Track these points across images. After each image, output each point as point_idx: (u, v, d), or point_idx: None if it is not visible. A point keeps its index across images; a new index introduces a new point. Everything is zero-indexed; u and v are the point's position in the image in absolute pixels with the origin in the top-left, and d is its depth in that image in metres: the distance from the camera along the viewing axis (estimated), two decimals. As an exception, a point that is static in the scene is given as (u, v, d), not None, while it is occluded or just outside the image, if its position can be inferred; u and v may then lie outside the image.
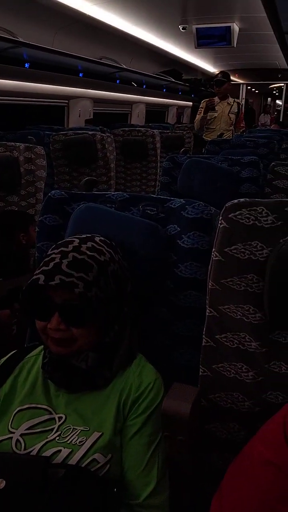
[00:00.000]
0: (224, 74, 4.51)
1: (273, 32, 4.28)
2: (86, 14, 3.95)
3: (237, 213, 0.87)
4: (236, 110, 4.58)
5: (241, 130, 4.71)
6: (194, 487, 0.96)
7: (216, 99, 4.54)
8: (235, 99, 4.68)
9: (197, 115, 4.60)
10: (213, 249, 0.90)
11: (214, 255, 0.90)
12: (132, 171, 3.79)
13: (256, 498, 0.70)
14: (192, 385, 0.93)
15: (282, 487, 0.68)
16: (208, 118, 4.52)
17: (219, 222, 0.88)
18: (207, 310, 0.93)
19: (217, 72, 4.54)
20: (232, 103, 4.57)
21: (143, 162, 3.72)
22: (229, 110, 4.53)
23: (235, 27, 4.98)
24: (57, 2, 3.51)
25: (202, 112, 4.48)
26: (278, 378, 0.89)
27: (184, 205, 1.07)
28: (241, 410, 0.92)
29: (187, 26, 5.03)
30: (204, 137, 4.60)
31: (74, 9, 3.77)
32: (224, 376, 0.92)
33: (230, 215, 0.87)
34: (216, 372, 0.93)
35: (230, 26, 4.97)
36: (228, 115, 4.51)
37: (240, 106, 4.68)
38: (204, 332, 0.94)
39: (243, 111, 4.71)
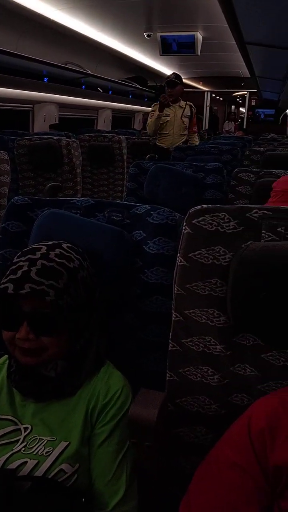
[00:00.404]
0: (177, 76, 4.23)
1: (235, 42, 4.39)
2: (50, 19, 3.93)
3: (200, 219, 0.88)
4: (189, 114, 4.30)
5: (194, 136, 4.43)
6: (163, 493, 0.96)
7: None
8: (187, 102, 4.34)
9: (149, 119, 4.28)
10: (178, 255, 0.91)
11: (179, 260, 0.91)
12: (99, 177, 3.78)
13: (223, 501, 0.71)
14: (159, 390, 0.93)
15: (247, 488, 0.69)
16: (160, 122, 4.27)
17: (183, 228, 0.90)
18: (173, 315, 0.93)
19: (171, 74, 4.20)
20: (184, 106, 4.28)
21: (110, 168, 3.72)
22: (182, 114, 4.26)
23: (199, 36, 5.09)
24: (20, 5, 3.48)
25: (157, 111, 4.17)
26: (243, 380, 0.90)
27: (150, 211, 1.07)
28: (208, 414, 0.93)
29: (151, 33, 5.10)
30: (158, 144, 4.37)
31: (38, 13, 3.75)
32: (191, 380, 0.93)
33: (193, 221, 0.88)
34: (183, 377, 0.94)
35: (194, 35, 5.09)
36: (181, 119, 4.25)
37: (193, 110, 4.34)
38: (170, 337, 0.94)
39: (195, 115, 4.39)
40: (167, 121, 4.21)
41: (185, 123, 4.27)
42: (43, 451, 0.81)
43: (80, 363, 0.88)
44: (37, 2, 3.57)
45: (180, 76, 4.28)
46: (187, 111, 4.28)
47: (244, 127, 9.36)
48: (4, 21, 3.72)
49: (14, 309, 0.79)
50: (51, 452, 0.81)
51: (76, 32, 4.49)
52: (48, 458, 0.80)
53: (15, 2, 3.37)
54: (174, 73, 4.24)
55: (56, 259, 0.82)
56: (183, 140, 4.31)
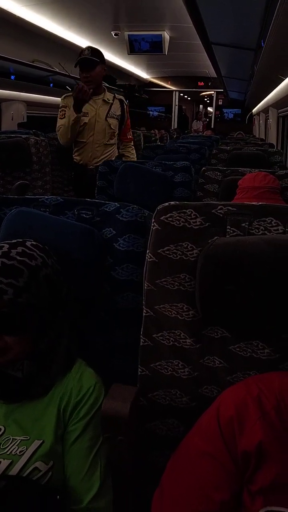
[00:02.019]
0: (94, 51, 2.65)
1: (200, 41, 4.45)
2: (16, 15, 3.87)
3: (168, 215, 0.90)
4: (119, 113, 2.82)
5: (129, 146, 3.02)
6: (137, 487, 0.98)
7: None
8: (116, 95, 2.87)
9: (58, 120, 2.75)
10: (147, 251, 0.93)
11: (148, 256, 0.92)
12: (69, 175, 3.75)
13: (194, 489, 0.73)
14: (132, 386, 0.94)
15: (218, 475, 0.71)
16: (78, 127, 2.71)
17: (152, 224, 0.91)
18: (144, 310, 0.95)
19: (85, 49, 2.70)
20: (111, 101, 2.78)
21: (80, 166, 3.69)
22: (108, 112, 2.74)
23: (166, 35, 5.14)
24: (-16, 1, 3.41)
25: (71, 109, 2.59)
26: (212, 372, 0.93)
27: (119, 208, 1.08)
28: (179, 406, 0.95)
29: (119, 32, 5.11)
30: (74, 158, 2.89)
31: (3, 9, 3.68)
32: (162, 374, 0.95)
33: (161, 218, 0.90)
34: (154, 371, 0.95)
35: (161, 34, 5.13)
36: (107, 120, 2.74)
37: (126, 106, 2.87)
38: (141, 332, 0.96)
39: (128, 114, 2.94)
40: (85, 122, 2.70)
41: (112, 126, 2.78)
42: (16, 450, 0.81)
43: (49, 363, 0.88)
44: (1, -2, 3.51)
45: (100, 52, 2.70)
46: (116, 109, 2.81)
47: (212, 126, 9.51)
48: None
49: None
50: (25, 451, 0.81)
51: (43, 29, 4.43)
52: (22, 457, 0.80)
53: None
54: (89, 48, 2.65)
55: (17, 257, 0.82)
56: (110, 153, 2.83)
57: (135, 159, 2.91)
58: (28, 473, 0.79)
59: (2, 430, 0.84)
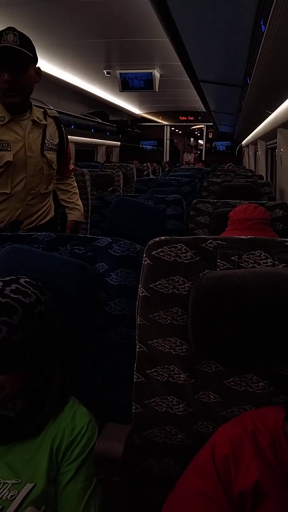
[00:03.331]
0: (23, 39, 1.55)
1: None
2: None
3: (159, 250, 0.91)
4: (57, 140, 1.81)
5: (71, 180, 2.06)
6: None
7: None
8: (48, 110, 1.83)
9: None
10: (139, 285, 0.93)
11: (141, 291, 0.93)
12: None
13: (192, 531, 0.71)
14: (126, 423, 0.93)
15: (215, 516, 0.69)
16: None
17: (144, 259, 0.92)
18: (137, 346, 0.94)
19: (8, 31, 1.51)
20: (43, 120, 1.75)
21: (74, 200, 3.73)
22: (43, 141, 1.73)
23: (156, 73, 5.33)
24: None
25: None
26: (207, 407, 0.92)
27: (111, 243, 1.10)
28: (175, 444, 0.93)
29: (111, 71, 5.29)
30: None
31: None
32: (156, 411, 0.94)
33: (153, 252, 0.92)
34: (148, 408, 0.94)
35: (151, 73, 5.32)
36: (44, 154, 1.73)
37: (63, 128, 1.85)
38: (135, 368, 0.95)
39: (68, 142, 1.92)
40: (6, 162, 1.63)
41: (53, 165, 1.79)
42: (7, 495, 0.79)
43: (42, 402, 0.87)
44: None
45: (31, 42, 1.60)
46: (53, 133, 1.80)
47: (203, 158, 9.74)
48: None
49: None
50: (16, 496, 0.79)
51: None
52: (13, 502, 0.78)
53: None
54: (14, 31, 1.54)
55: (11, 294, 0.82)
56: (48, 207, 1.87)
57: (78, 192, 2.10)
58: None
59: None
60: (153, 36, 3.81)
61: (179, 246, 0.91)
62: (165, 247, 0.91)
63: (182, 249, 0.90)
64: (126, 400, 1.00)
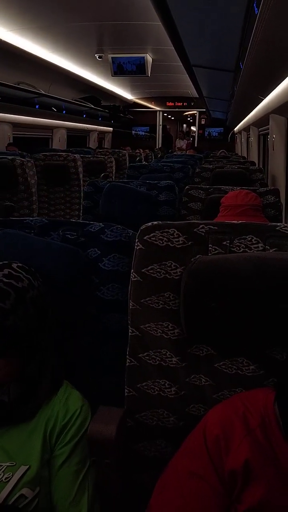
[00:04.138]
0: None
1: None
2: (1, 39, 3.93)
3: (151, 235, 0.91)
4: None
5: None
6: (126, 510, 0.96)
7: None
8: None
9: None
10: (132, 270, 0.93)
11: (133, 276, 0.93)
12: (55, 195, 3.77)
13: (183, 510, 0.72)
14: (118, 407, 0.94)
15: (206, 496, 0.71)
16: None
17: (136, 244, 0.92)
18: (130, 330, 0.95)
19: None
20: None
21: (66, 186, 3.72)
22: None
23: (148, 58, 5.26)
24: None
25: None
26: (199, 390, 0.93)
27: (103, 228, 1.09)
28: (167, 426, 0.95)
29: (103, 55, 5.20)
30: None
31: (-13, 34, 3.74)
32: (149, 394, 0.95)
33: (145, 237, 0.92)
34: (141, 391, 0.95)
35: (143, 57, 5.24)
36: None
37: None
38: (127, 352, 0.96)
39: None
40: None
41: None
42: (2, 477, 0.79)
43: (35, 386, 0.87)
44: (-14, 23, 3.56)
45: None
46: None
47: (196, 145, 9.68)
48: None
49: None
50: (11, 478, 0.79)
51: (28, 53, 4.49)
52: (8, 484, 0.79)
53: None
54: None
55: (4, 279, 0.82)
56: None
57: None
58: (14, 500, 0.78)
59: None
60: (145, 19, 3.74)
61: (171, 231, 0.91)
62: (157, 232, 0.91)
63: (174, 234, 0.91)
64: (119, 384, 1.01)
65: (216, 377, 0.92)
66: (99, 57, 5.21)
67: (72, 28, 4.11)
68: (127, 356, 0.96)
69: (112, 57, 5.28)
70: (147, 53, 5.16)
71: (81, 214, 3.78)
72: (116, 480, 0.89)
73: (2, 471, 0.80)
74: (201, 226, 0.91)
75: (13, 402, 0.84)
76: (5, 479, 0.79)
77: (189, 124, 15.47)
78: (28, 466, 0.81)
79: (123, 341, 1.01)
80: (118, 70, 5.48)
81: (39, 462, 0.82)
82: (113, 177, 4.47)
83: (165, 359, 0.93)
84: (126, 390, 0.96)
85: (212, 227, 0.91)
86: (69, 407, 0.88)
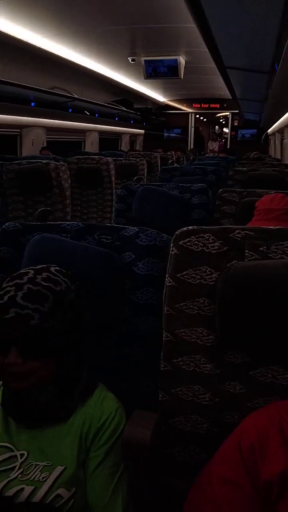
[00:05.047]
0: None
1: (215, 65, 4.52)
2: (36, 46, 4.03)
3: (186, 240, 0.91)
4: None
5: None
6: (158, 514, 0.96)
7: None
8: None
9: None
10: (166, 275, 0.94)
11: (167, 281, 0.93)
12: (88, 198, 3.81)
13: (217, 518, 0.71)
14: (153, 411, 0.94)
15: (240, 503, 0.70)
16: None
17: (171, 249, 0.92)
18: (164, 335, 0.95)
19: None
20: None
21: (99, 189, 3.76)
22: None
23: (182, 60, 5.25)
24: (7, 34, 3.57)
25: None
26: (233, 398, 0.92)
27: (138, 233, 1.10)
28: (200, 433, 0.94)
29: (136, 58, 5.25)
30: None
31: (24, 41, 3.84)
32: (183, 400, 0.94)
33: (180, 242, 0.92)
34: (175, 396, 0.95)
35: (176, 59, 5.24)
36: None
37: None
38: (162, 357, 0.96)
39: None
40: None
41: None
42: (39, 476, 0.81)
43: (71, 387, 0.88)
44: (23, 30, 3.66)
45: None
46: None
47: (228, 147, 9.58)
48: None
49: (2, 334, 0.80)
50: (48, 477, 0.81)
51: (62, 58, 4.60)
52: (45, 483, 0.81)
53: (1, 31, 3.46)
54: None
55: (43, 282, 0.83)
56: None
57: None
58: (50, 500, 0.79)
59: (25, 456, 0.84)
60: (178, 22, 3.74)
61: (207, 236, 0.90)
62: (192, 237, 0.91)
63: (210, 239, 0.90)
64: (152, 388, 1.01)
65: (250, 385, 0.91)
66: (132, 60, 5.25)
67: (106, 33, 4.17)
68: (161, 361, 0.96)
69: (145, 60, 5.31)
70: (180, 55, 5.16)
71: (113, 217, 3.83)
72: (148, 484, 0.89)
73: (39, 470, 0.82)
74: (237, 231, 0.90)
75: (49, 402, 0.86)
76: (42, 478, 0.81)
77: (221, 126, 15.33)
78: (64, 467, 0.83)
79: (156, 345, 1.01)
80: (151, 73, 5.51)
81: (75, 463, 0.84)
82: (145, 180, 4.49)
83: (199, 365, 0.93)
84: (160, 395, 0.96)
85: (248, 232, 0.90)
86: (104, 410, 0.89)
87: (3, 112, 4.36)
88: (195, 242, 0.90)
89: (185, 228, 0.92)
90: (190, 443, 0.95)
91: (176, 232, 0.93)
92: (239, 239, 0.90)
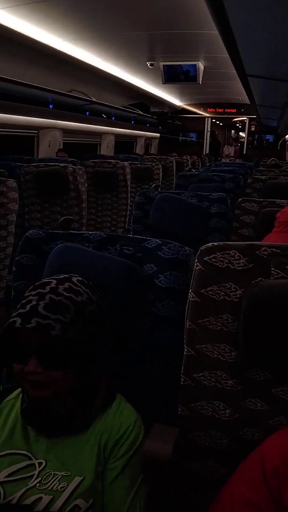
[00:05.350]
0: None
1: (235, 71, 4.50)
2: (57, 49, 4.07)
3: (211, 256, 0.91)
4: None
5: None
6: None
7: None
8: None
9: None
10: (190, 290, 0.94)
11: (191, 296, 0.93)
12: (102, 201, 3.83)
13: (238, 539, 0.71)
14: (171, 424, 0.94)
15: (263, 527, 0.70)
16: None
17: (195, 264, 0.92)
18: (185, 349, 0.95)
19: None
20: None
21: (114, 193, 3.78)
22: None
23: (200, 65, 5.25)
24: (28, 37, 3.61)
25: None
26: (254, 415, 0.91)
27: (160, 245, 1.10)
28: (220, 448, 0.94)
29: (154, 62, 5.26)
30: None
31: (45, 44, 3.89)
32: (202, 415, 0.94)
33: (205, 258, 0.91)
34: (195, 411, 0.95)
35: (195, 65, 5.24)
36: None
37: None
38: (182, 371, 0.96)
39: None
40: None
41: None
42: (57, 486, 0.82)
43: (90, 398, 0.89)
44: (45, 34, 3.70)
45: None
46: None
47: (244, 152, 9.53)
48: (12, 52, 3.86)
49: (23, 342, 0.81)
50: (66, 487, 0.81)
51: (81, 61, 4.63)
52: (63, 493, 0.81)
53: (23, 34, 3.50)
54: None
55: (64, 293, 0.84)
56: None
57: None
58: (68, 510, 0.80)
59: (44, 464, 0.85)
60: (199, 28, 3.74)
61: (232, 252, 0.90)
62: (217, 253, 0.91)
63: (235, 255, 0.90)
64: (171, 401, 1.01)
65: (272, 403, 0.90)
66: (151, 64, 5.27)
67: (125, 37, 4.19)
68: (182, 375, 0.96)
69: (163, 65, 5.33)
70: (199, 60, 5.16)
71: (127, 220, 3.84)
72: (167, 498, 0.89)
73: (58, 480, 0.83)
74: (263, 248, 0.90)
75: (68, 413, 0.86)
76: (60, 488, 0.82)
77: (238, 130, 15.27)
78: (82, 477, 0.83)
79: (176, 358, 1.01)
80: (169, 78, 5.52)
81: (93, 474, 0.84)
82: (160, 184, 4.48)
83: (221, 381, 0.93)
84: (179, 409, 0.96)
85: (275, 250, 0.89)
86: (123, 422, 0.89)
87: (22, 113, 4.41)
88: (220, 258, 0.90)
89: (210, 244, 0.92)
90: (209, 458, 0.95)
91: (201, 248, 0.92)
92: (265, 257, 0.90)
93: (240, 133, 14.32)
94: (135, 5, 3.20)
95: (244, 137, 10.90)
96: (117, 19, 3.56)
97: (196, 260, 0.92)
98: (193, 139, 10.67)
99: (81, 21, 3.56)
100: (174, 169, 5.36)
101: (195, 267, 0.92)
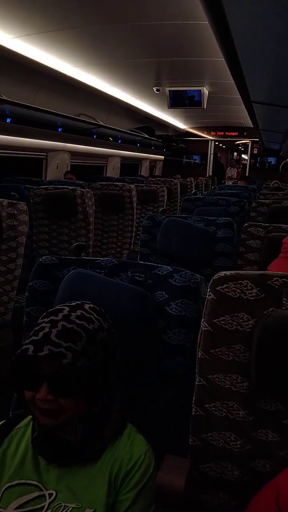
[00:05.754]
0: None
1: (239, 96, 4.59)
2: (67, 75, 4.18)
3: (224, 286, 0.92)
4: None
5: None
6: None
7: None
8: None
9: None
10: (202, 319, 0.94)
11: (203, 325, 0.94)
12: (108, 223, 3.88)
13: None
14: (181, 454, 0.93)
15: None
16: None
17: (208, 294, 0.93)
18: (197, 379, 0.95)
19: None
20: None
21: (120, 215, 3.82)
22: None
23: (205, 90, 5.36)
24: (40, 63, 3.72)
25: None
26: (266, 446, 0.91)
27: (172, 273, 1.11)
28: (230, 480, 0.93)
29: (160, 88, 5.38)
30: None
31: (56, 70, 3.99)
32: (213, 446, 0.94)
33: (217, 288, 0.93)
34: (205, 442, 0.94)
35: (200, 90, 5.36)
36: None
37: None
38: (193, 401, 0.96)
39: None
40: None
41: None
42: None
43: (101, 426, 0.88)
44: (56, 60, 3.81)
45: None
46: None
47: (247, 174, 9.63)
48: (23, 78, 3.97)
49: (34, 370, 0.81)
50: None
51: (90, 86, 4.75)
52: None
53: (35, 60, 3.61)
54: None
55: (77, 320, 0.85)
56: None
57: None
58: None
59: (54, 495, 0.84)
60: (204, 55, 3.84)
61: (245, 282, 0.91)
62: (230, 283, 0.92)
63: (248, 285, 0.91)
64: (181, 431, 1.01)
65: (284, 434, 0.90)
66: (157, 90, 5.39)
67: (133, 64, 4.31)
68: (193, 405, 0.96)
69: (169, 90, 5.44)
70: (204, 86, 5.28)
71: (132, 242, 3.87)
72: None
73: None
74: (275, 278, 0.91)
75: (79, 442, 0.86)
76: None
77: (240, 152, 15.47)
78: (93, 510, 0.82)
79: (186, 387, 1.01)
80: (174, 103, 5.63)
81: (104, 505, 0.83)
82: (165, 206, 4.54)
83: (232, 411, 0.93)
84: (190, 439, 0.96)
85: (286, 280, 0.91)
86: (134, 452, 0.88)
87: (32, 136, 4.51)
88: (233, 288, 0.91)
89: (222, 274, 0.94)
90: (220, 490, 0.94)
91: (214, 277, 0.94)
92: (276, 287, 0.91)
93: (242, 155, 14.49)
94: (143, 33, 3.30)
95: (246, 159, 11.02)
96: (126, 46, 3.66)
97: (208, 290, 0.94)
98: (196, 161, 10.82)
99: (90, 49, 3.67)
100: (179, 191, 5.44)
101: (207, 296, 0.93)
